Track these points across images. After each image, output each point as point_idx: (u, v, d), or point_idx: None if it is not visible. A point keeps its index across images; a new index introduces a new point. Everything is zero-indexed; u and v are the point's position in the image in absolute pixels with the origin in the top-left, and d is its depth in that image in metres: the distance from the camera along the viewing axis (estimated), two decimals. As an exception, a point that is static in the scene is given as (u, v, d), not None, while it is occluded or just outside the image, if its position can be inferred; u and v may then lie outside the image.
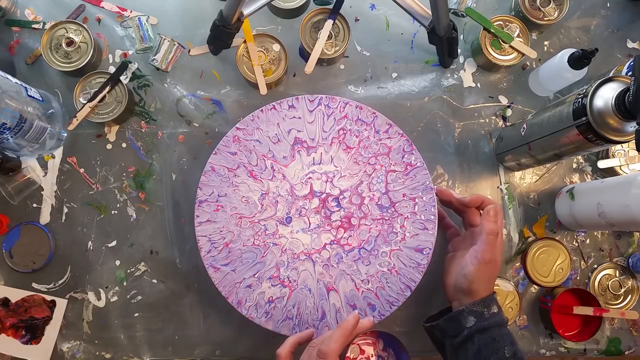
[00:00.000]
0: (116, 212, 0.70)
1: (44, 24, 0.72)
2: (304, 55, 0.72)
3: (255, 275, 0.64)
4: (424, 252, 0.65)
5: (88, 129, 0.71)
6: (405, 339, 0.59)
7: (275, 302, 0.64)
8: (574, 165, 0.74)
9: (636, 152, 0.68)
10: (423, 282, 0.64)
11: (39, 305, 0.69)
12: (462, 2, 0.73)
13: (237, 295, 0.64)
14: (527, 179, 0.74)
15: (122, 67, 0.70)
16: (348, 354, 0.57)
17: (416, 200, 0.66)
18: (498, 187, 0.73)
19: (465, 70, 0.75)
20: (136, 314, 0.69)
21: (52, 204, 0.70)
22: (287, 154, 0.66)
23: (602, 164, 0.72)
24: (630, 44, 0.76)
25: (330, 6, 0.70)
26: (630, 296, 0.72)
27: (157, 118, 0.72)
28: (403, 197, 0.66)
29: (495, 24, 0.71)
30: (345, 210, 0.66)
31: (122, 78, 0.69)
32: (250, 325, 0.64)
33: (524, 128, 0.65)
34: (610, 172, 0.73)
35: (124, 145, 0.71)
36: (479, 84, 0.75)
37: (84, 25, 0.69)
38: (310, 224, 0.66)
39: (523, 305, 0.72)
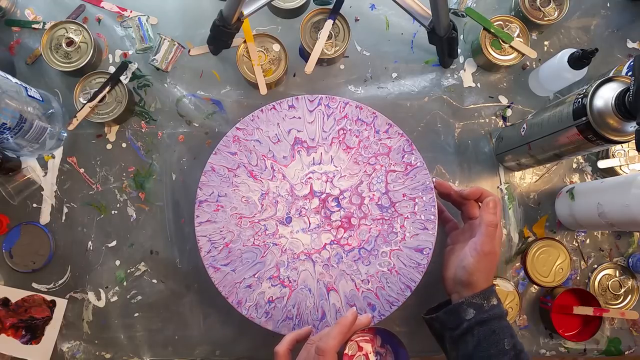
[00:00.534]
0: (116, 212, 0.70)
1: (44, 24, 0.72)
2: (304, 55, 0.72)
3: (255, 275, 0.64)
4: (424, 252, 0.65)
5: (88, 129, 0.71)
6: (406, 339, 0.59)
7: (275, 302, 0.64)
8: (574, 165, 0.74)
9: (636, 152, 0.68)
10: (423, 282, 0.64)
11: (39, 305, 0.69)
12: (462, 2, 0.73)
13: (237, 295, 0.64)
14: (527, 179, 0.74)
15: (122, 67, 0.70)
16: (346, 351, 0.57)
17: (416, 200, 0.66)
18: (498, 187, 0.73)
19: (465, 70, 0.75)
20: (136, 314, 0.69)
21: (52, 204, 0.70)
22: (287, 154, 0.66)
23: (602, 164, 0.72)
24: (630, 44, 0.76)
25: (330, 6, 0.70)
26: (630, 296, 0.72)
27: (157, 118, 0.72)
28: (403, 197, 0.66)
29: (495, 24, 0.71)
30: (345, 210, 0.66)
31: (122, 78, 0.69)
32: (250, 325, 0.64)
33: (524, 128, 0.65)
34: (610, 172, 0.73)
35: (124, 145, 0.71)
36: (479, 84, 0.75)
37: (84, 25, 0.69)
38: (310, 224, 0.66)
39: (523, 305, 0.72)
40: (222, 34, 0.66)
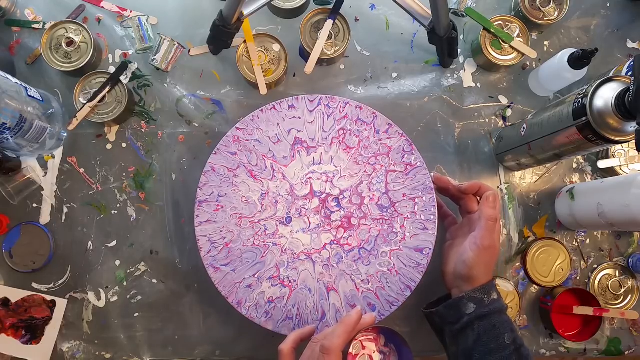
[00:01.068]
0: (116, 212, 0.70)
1: (44, 24, 0.72)
2: (304, 55, 0.72)
3: (255, 275, 0.64)
4: (424, 252, 0.65)
5: (88, 129, 0.71)
6: (406, 339, 0.59)
7: (275, 302, 0.64)
8: (574, 165, 0.74)
9: (636, 152, 0.68)
10: (423, 282, 0.64)
11: (39, 305, 0.69)
12: (462, 2, 0.73)
13: (237, 295, 0.64)
14: (527, 179, 0.74)
15: (122, 67, 0.70)
16: (350, 350, 0.57)
17: (416, 200, 0.66)
18: (498, 187, 0.73)
19: (465, 70, 0.75)
20: (136, 314, 0.69)
21: (52, 204, 0.70)
22: (287, 154, 0.66)
23: (602, 164, 0.72)
24: (630, 44, 0.76)
25: (330, 6, 0.70)
26: (630, 296, 0.72)
27: (157, 118, 0.72)
28: (403, 197, 0.66)
29: (495, 24, 0.71)
30: (345, 210, 0.66)
31: (122, 78, 0.69)
32: (250, 325, 0.64)
33: (524, 128, 0.65)
34: (610, 172, 0.73)
35: (124, 145, 0.71)
36: (479, 84, 0.75)
37: (84, 25, 0.69)
38: (310, 224, 0.66)
39: (523, 305, 0.72)
40: (222, 34, 0.66)
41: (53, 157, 0.70)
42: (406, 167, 0.66)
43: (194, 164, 0.71)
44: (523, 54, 0.71)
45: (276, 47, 0.70)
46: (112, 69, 0.72)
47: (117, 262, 0.70)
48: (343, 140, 0.66)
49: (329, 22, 0.69)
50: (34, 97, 0.64)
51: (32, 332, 0.68)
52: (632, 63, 0.66)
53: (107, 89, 0.68)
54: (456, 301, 0.58)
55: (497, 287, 0.69)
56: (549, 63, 0.70)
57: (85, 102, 0.67)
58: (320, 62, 0.70)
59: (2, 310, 0.68)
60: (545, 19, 0.72)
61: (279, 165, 0.66)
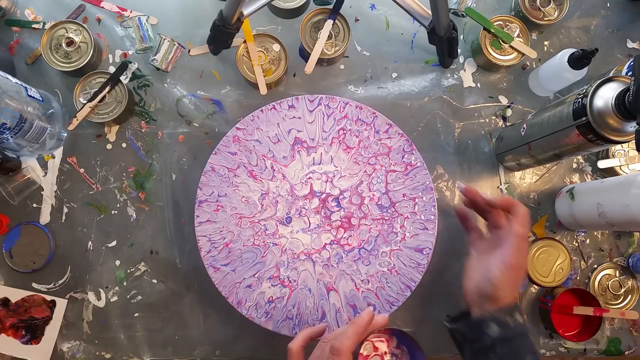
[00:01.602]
0: (116, 212, 0.70)
1: (44, 24, 0.72)
2: (304, 55, 0.72)
3: (255, 275, 0.65)
4: (424, 252, 0.65)
5: (88, 129, 0.71)
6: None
7: (275, 302, 0.64)
8: (574, 165, 0.74)
9: (636, 152, 0.68)
10: (423, 282, 0.64)
11: (39, 305, 0.69)
12: (462, 2, 0.73)
13: (237, 295, 0.64)
14: (527, 179, 0.74)
15: (122, 67, 0.70)
16: (361, 351, 0.56)
17: (416, 200, 0.66)
18: (498, 187, 0.73)
19: (465, 70, 0.75)
20: (136, 314, 0.69)
21: (52, 204, 0.70)
22: (287, 154, 0.66)
23: (602, 164, 0.72)
24: (630, 44, 0.76)
25: (330, 6, 0.70)
26: (630, 296, 0.72)
27: (157, 118, 0.72)
28: (403, 197, 0.66)
29: (495, 24, 0.71)
30: (345, 210, 0.66)
31: (122, 78, 0.69)
32: (250, 325, 0.64)
33: (524, 128, 0.65)
34: (610, 172, 0.73)
35: (124, 145, 0.71)
36: (479, 84, 0.75)
37: (84, 25, 0.69)
38: (310, 224, 0.66)
39: (523, 305, 0.72)
40: (222, 34, 0.66)
41: (53, 157, 0.70)
42: (406, 167, 0.66)
43: (194, 164, 0.71)
44: (523, 54, 0.71)
45: (276, 47, 0.70)
46: (112, 69, 0.72)
47: (117, 262, 0.70)
48: (343, 140, 0.66)
49: (329, 22, 0.69)
50: (34, 97, 0.64)
51: (32, 332, 0.68)
52: (632, 63, 0.66)
53: (107, 89, 0.68)
54: (479, 321, 0.56)
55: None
56: (549, 63, 0.70)
57: (85, 102, 0.67)
58: (320, 62, 0.70)
59: (2, 310, 0.68)
60: (545, 19, 0.72)
61: (279, 165, 0.66)
